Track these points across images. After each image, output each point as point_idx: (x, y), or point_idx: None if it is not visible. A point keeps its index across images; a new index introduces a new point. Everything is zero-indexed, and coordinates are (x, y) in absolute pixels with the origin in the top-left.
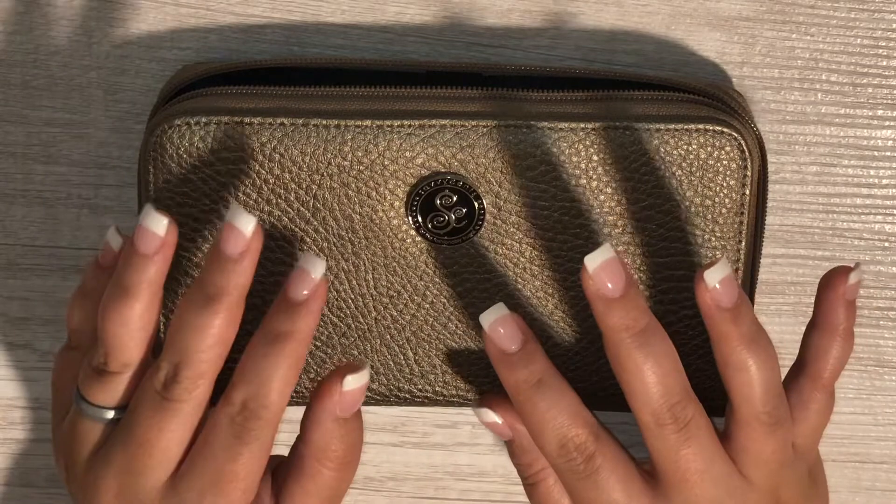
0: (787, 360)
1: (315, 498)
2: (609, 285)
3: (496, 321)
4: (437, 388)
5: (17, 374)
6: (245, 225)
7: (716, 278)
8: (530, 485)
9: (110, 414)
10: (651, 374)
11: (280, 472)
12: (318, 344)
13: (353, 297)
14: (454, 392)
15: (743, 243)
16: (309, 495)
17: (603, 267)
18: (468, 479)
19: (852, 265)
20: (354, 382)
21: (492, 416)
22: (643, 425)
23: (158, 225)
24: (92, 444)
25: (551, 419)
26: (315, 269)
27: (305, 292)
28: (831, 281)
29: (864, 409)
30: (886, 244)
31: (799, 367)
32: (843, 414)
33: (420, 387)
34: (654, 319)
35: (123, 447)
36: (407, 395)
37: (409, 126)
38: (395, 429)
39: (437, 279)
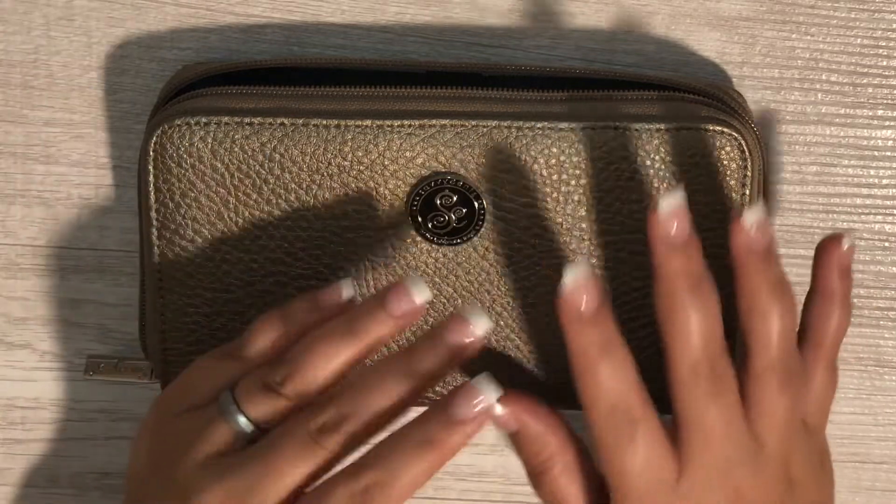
0: None
1: None
2: (675, 231)
3: (579, 282)
4: (437, 389)
5: (17, 374)
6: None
7: (753, 220)
8: (538, 474)
9: (251, 428)
10: (698, 324)
11: None
12: None
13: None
14: None
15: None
16: None
17: (674, 212)
18: (468, 479)
19: (845, 232)
20: None
21: (496, 409)
22: (677, 378)
23: (420, 294)
24: (217, 448)
25: (610, 385)
26: (490, 393)
27: (469, 416)
28: (825, 247)
29: (864, 409)
30: (886, 244)
31: (801, 336)
32: (843, 414)
33: None
34: (710, 273)
35: (249, 467)
36: None
37: (410, 126)
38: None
39: (437, 279)
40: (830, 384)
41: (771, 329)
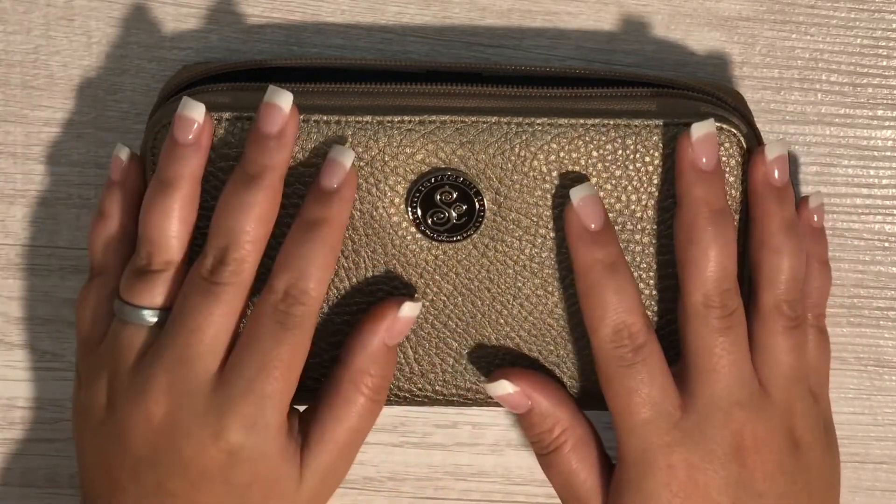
0: None
1: (345, 427)
2: (704, 160)
3: (586, 197)
4: (436, 388)
5: (18, 374)
6: (283, 102)
7: (774, 153)
8: (548, 453)
9: (153, 316)
10: (715, 253)
11: (309, 410)
12: (317, 341)
13: (352, 294)
14: (454, 391)
15: (743, 240)
16: (340, 422)
17: (705, 139)
18: (468, 479)
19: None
20: (410, 311)
21: (508, 388)
22: (689, 307)
23: (196, 112)
24: (137, 349)
25: (615, 304)
26: (346, 159)
27: (336, 183)
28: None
29: (864, 409)
30: (886, 244)
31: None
32: (843, 414)
33: (420, 386)
34: (729, 207)
35: (173, 338)
36: (407, 395)
37: (410, 122)
38: (394, 429)
39: (437, 277)
40: (823, 350)
41: (781, 264)
